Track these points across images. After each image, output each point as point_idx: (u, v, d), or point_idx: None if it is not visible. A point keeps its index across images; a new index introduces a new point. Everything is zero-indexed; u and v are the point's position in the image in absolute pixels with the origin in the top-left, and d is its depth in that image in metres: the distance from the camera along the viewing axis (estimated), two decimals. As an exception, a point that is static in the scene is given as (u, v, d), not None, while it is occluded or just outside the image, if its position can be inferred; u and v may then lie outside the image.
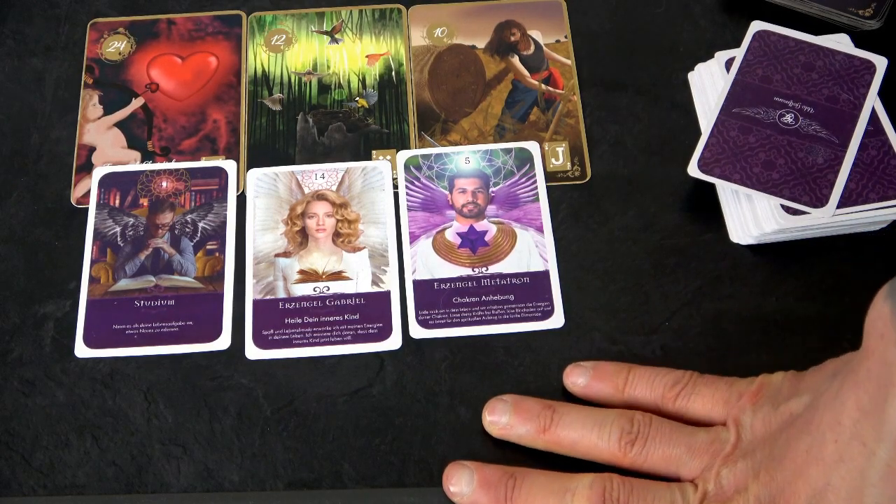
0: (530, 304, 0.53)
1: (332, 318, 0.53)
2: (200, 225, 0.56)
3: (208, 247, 0.55)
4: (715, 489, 0.42)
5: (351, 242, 0.55)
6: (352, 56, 0.62)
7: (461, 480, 0.46)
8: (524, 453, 0.48)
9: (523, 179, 0.57)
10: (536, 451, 0.48)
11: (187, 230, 0.55)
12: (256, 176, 0.57)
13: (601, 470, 0.45)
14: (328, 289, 0.53)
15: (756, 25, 0.57)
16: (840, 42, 0.57)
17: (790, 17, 0.60)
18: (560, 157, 0.58)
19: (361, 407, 0.50)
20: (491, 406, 0.48)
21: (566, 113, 0.59)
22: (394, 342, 0.52)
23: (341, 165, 0.58)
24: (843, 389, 0.38)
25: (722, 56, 0.57)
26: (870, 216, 0.52)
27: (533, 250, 0.54)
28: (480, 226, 0.55)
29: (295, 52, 0.62)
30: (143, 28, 0.63)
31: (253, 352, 0.52)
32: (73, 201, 0.57)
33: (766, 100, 0.55)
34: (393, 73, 0.61)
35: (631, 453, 0.44)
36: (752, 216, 0.53)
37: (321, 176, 0.57)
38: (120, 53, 0.62)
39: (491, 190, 0.56)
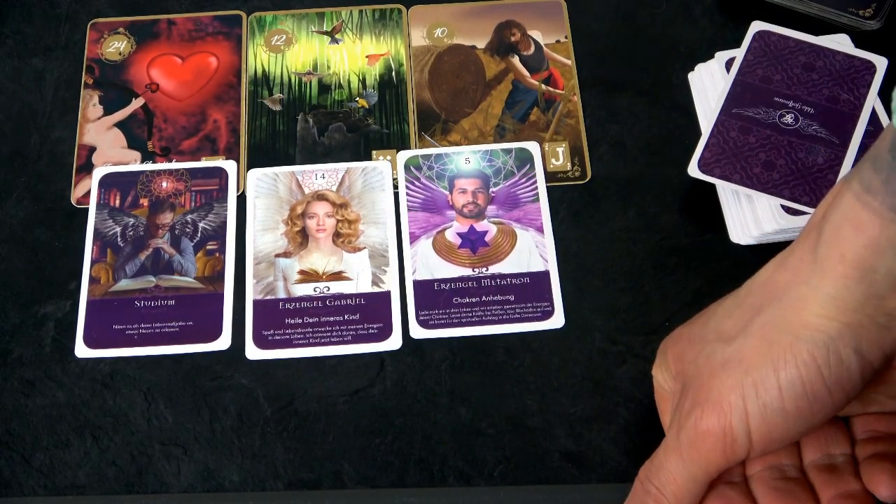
0: (530, 305, 0.53)
1: (332, 319, 0.53)
2: (201, 225, 0.56)
3: (208, 247, 0.55)
4: None
5: (351, 243, 0.55)
6: (352, 56, 0.62)
7: None
8: (525, 450, 0.49)
9: (523, 180, 0.57)
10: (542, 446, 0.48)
11: (187, 230, 0.55)
12: (256, 176, 0.57)
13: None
14: (328, 289, 0.53)
15: (756, 26, 0.57)
16: (840, 42, 0.57)
17: (790, 17, 0.60)
18: (560, 158, 0.58)
19: (362, 407, 0.50)
20: None
21: (566, 113, 0.59)
22: (394, 342, 0.52)
23: (341, 165, 0.58)
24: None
25: (722, 56, 0.57)
26: (870, 216, 0.52)
27: (533, 250, 0.54)
28: (481, 226, 0.55)
29: (295, 52, 0.62)
30: (143, 28, 0.63)
31: (253, 352, 0.52)
32: (73, 201, 0.57)
33: (766, 100, 0.55)
34: (393, 73, 0.61)
35: None
36: (752, 216, 0.53)
37: (321, 176, 0.57)
38: (120, 53, 0.62)
39: (491, 190, 0.56)
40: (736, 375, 0.37)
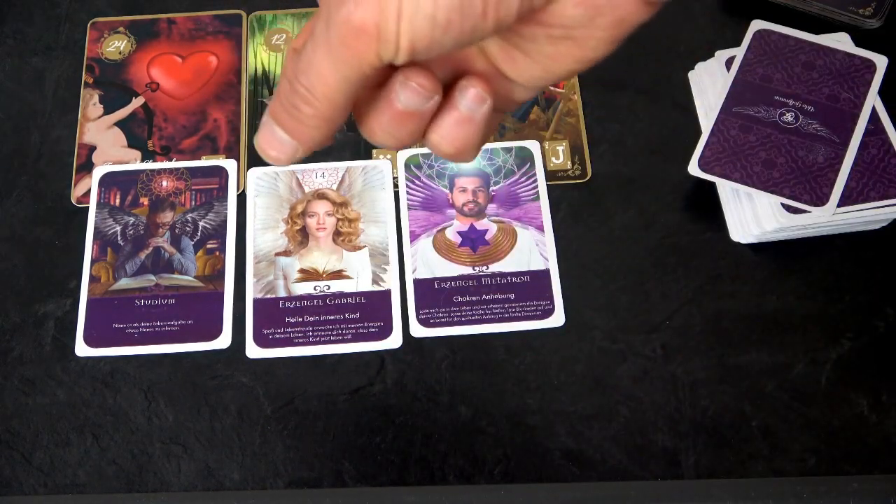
0: (531, 303, 0.53)
1: (332, 317, 0.53)
2: (201, 224, 0.56)
3: (209, 246, 0.55)
4: None
5: (351, 241, 0.55)
6: (352, 55, 0.62)
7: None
8: (525, 448, 0.49)
9: (524, 178, 0.57)
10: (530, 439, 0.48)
11: (188, 229, 0.55)
12: (257, 175, 0.57)
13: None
14: (329, 287, 0.53)
15: (756, 24, 0.57)
16: (840, 41, 0.57)
17: (790, 15, 0.60)
18: (560, 156, 0.58)
19: (362, 406, 0.50)
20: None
21: (566, 112, 0.59)
22: (394, 341, 0.52)
23: (342, 164, 0.58)
24: None
25: (722, 55, 0.57)
26: (870, 215, 0.52)
27: (533, 249, 0.54)
28: (481, 224, 0.55)
29: (295, 51, 0.62)
30: (144, 27, 0.63)
31: (253, 351, 0.52)
32: (73, 200, 0.57)
33: (766, 98, 0.55)
34: (393, 72, 0.61)
35: None
36: (752, 215, 0.53)
37: (322, 175, 0.57)
38: (120, 53, 0.62)
39: (491, 189, 0.56)
40: None
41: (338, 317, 0.53)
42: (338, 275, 0.54)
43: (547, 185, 0.57)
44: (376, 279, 0.54)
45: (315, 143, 0.33)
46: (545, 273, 0.54)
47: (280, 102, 0.34)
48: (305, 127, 0.33)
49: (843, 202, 0.52)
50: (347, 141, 0.59)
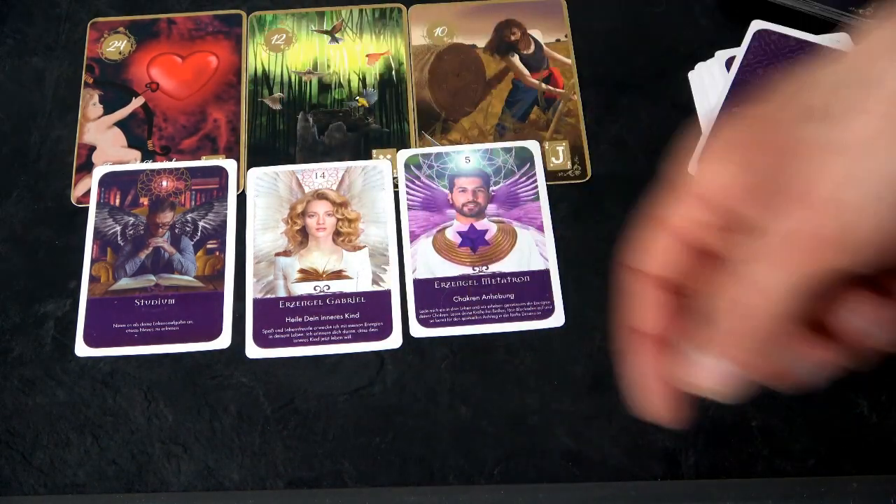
0: (531, 303, 0.53)
1: (332, 317, 0.53)
2: (201, 224, 0.56)
3: (208, 246, 0.55)
4: None
5: (351, 241, 0.55)
6: (352, 55, 0.62)
7: None
8: (525, 448, 0.49)
9: (524, 178, 0.57)
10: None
11: (187, 229, 0.55)
12: (257, 175, 0.57)
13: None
14: (328, 288, 0.53)
15: (756, 25, 0.57)
16: (840, 41, 0.57)
17: (790, 15, 0.60)
18: (560, 157, 0.58)
19: (362, 406, 0.50)
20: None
21: (566, 112, 0.59)
22: (394, 341, 0.52)
23: (341, 165, 0.58)
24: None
25: (722, 55, 0.57)
26: (870, 215, 0.52)
27: (533, 249, 0.54)
28: (481, 225, 0.55)
29: (295, 51, 0.62)
30: (144, 27, 0.63)
31: (253, 351, 0.52)
32: (73, 200, 0.57)
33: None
34: (393, 72, 0.61)
35: None
36: (752, 215, 0.53)
37: (321, 175, 0.57)
38: (120, 53, 0.62)
39: (491, 189, 0.56)
40: (844, 163, 0.28)
41: (338, 317, 0.53)
42: (338, 275, 0.54)
43: (547, 185, 0.57)
44: (376, 279, 0.54)
45: (756, 367, 0.30)
46: (545, 273, 0.54)
47: (710, 328, 0.31)
48: (742, 349, 0.30)
49: (843, 202, 0.51)
50: (347, 141, 0.59)
